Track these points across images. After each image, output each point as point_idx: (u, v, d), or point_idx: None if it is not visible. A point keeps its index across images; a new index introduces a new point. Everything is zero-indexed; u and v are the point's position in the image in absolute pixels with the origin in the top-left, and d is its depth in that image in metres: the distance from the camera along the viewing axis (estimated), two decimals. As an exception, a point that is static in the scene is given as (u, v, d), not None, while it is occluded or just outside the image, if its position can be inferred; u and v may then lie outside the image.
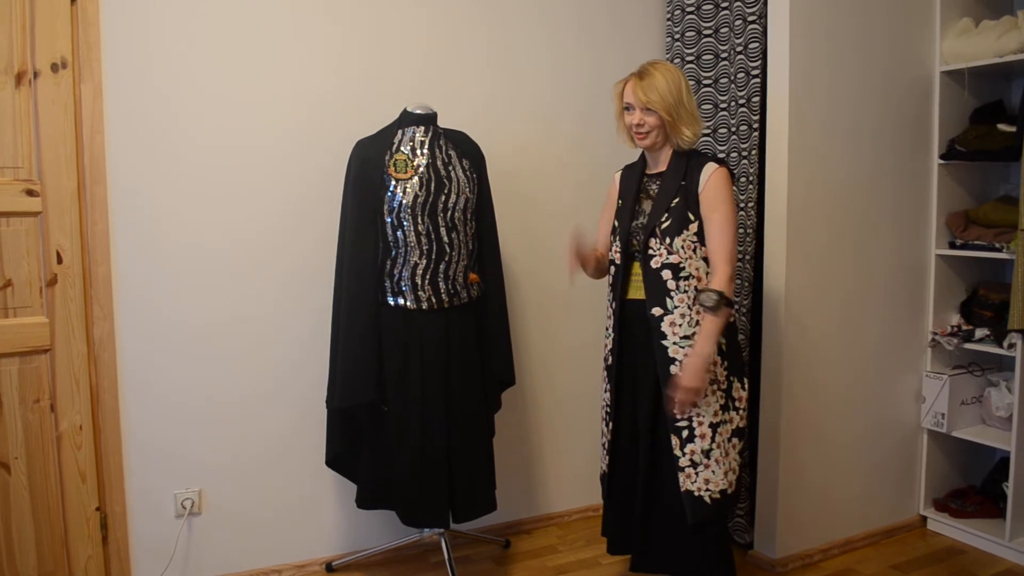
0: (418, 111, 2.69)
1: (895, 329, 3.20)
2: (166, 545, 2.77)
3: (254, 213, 2.81)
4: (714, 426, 2.35)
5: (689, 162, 2.39)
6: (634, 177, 2.51)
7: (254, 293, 2.83)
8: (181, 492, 2.78)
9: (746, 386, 2.45)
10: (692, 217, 2.35)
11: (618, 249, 2.49)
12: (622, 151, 3.40)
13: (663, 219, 2.36)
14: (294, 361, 2.91)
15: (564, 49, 3.28)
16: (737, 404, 2.39)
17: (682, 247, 2.35)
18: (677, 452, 2.35)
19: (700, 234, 2.36)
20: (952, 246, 3.23)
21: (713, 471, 2.35)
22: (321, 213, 2.87)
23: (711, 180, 2.34)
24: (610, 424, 2.55)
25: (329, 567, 2.99)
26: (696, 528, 2.36)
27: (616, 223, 2.52)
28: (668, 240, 2.35)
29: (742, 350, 2.63)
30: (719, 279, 2.31)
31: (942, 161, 3.19)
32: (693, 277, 2.35)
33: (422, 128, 2.69)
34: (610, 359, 2.54)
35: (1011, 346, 2.99)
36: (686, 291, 2.34)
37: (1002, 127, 3.06)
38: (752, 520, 3.08)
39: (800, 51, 2.82)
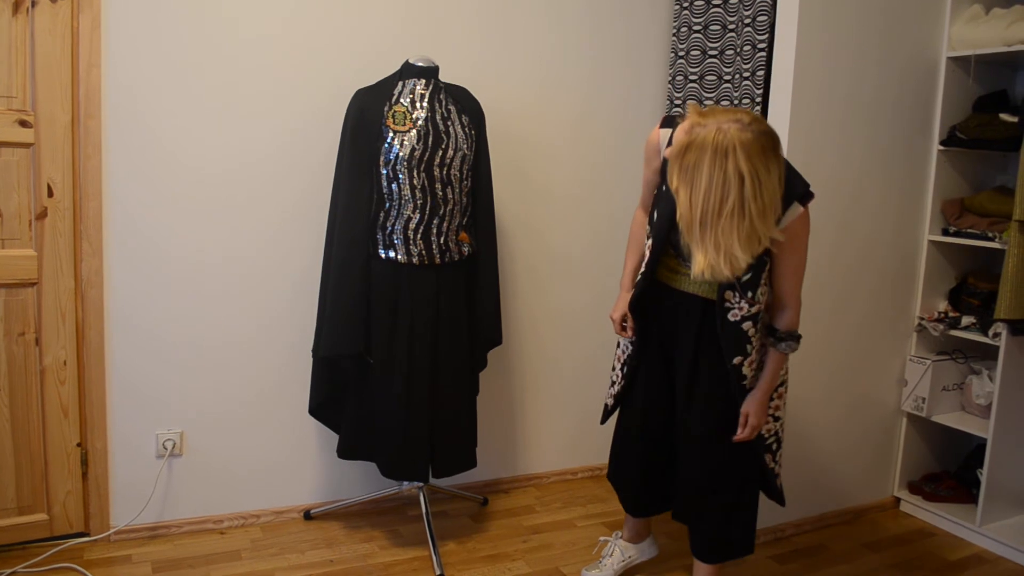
0: (420, 63, 2.66)
1: (882, 311, 3.22)
2: (146, 484, 2.78)
3: (248, 156, 2.79)
4: (783, 424, 2.38)
5: None
6: None
7: (244, 238, 2.82)
8: (163, 433, 2.79)
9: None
10: (767, 260, 2.12)
11: (649, 247, 2.27)
12: (621, 110, 3.40)
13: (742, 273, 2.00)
14: (282, 308, 2.90)
15: (566, 10, 3.24)
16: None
17: (762, 293, 2.15)
18: (772, 464, 2.36)
19: (770, 270, 2.15)
20: (945, 233, 3.23)
21: (782, 455, 2.43)
22: (314, 158, 2.86)
23: (797, 223, 2.06)
24: (623, 382, 2.47)
25: (307, 515, 3.01)
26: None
27: (655, 212, 2.24)
28: (750, 294, 2.13)
29: None
30: (792, 319, 2.19)
31: (942, 147, 3.19)
32: (764, 312, 2.21)
33: (423, 81, 2.66)
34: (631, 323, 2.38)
35: (996, 335, 3.01)
36: (761, 330, 2.21)
37: (1004, 117, 3.06)
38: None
39: (808, 26, 2.79)
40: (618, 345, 2.53)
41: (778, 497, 2.44)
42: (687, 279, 2.25)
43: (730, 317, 2.17)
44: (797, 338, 2.21)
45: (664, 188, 2.18)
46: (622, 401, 2.51)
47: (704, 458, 2.32)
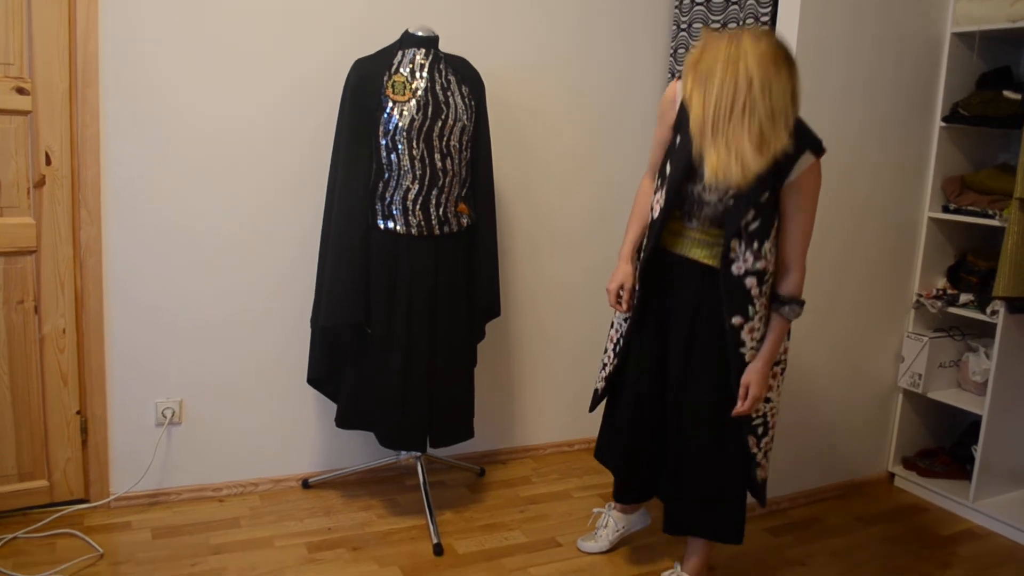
0: (420, 33, 2.64)
1: (881, 287, 3.22)
2: (145, 452, 2.80)
3: (247, 126, 2.77)
4: (775, 409, 2.31)
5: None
6: None
7: (243, 207, 2.82)
8: (162, 401, 2.80)
9: None
10: (776, 215, 2.10)
11: (659, 201, 2.21)
12: (625, 78, 3.38)
13: (751, 218, 2.05)
14: (282, 277, 2.91)
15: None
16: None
17: (770, 250, 2.10)
18: (754, 450, 2.28)
19: (778, 229, 2.11)
20: (945, 210, 3.23)
21: (770, 448, 2.33)
22: (312, 129, 2.85)
23: (808, 175, 2.04)
24: (615, 361, 2.43)
25: (305, 483, 3.04)
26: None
27: (668, 163, 2.19)
28: (756, 245, 2.08)
29: None
30: (797, 283, 2.15)
31: (944, 124, 3.17)
32: (771, 275, 2.14)
33: (423, 51, 2.65)
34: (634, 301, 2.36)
35: (994, 313, 3.01)
36: (766, 294, 2.14)
37: (1008, 94, 3.04)
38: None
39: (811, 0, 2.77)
40: (611, 325, 2.50)
41: (758, 493, 2.34)
42: (689, 242, 2.21)
43: (734, 270, 2.11)
44: (801, 303, 2.17)
45: (679, 140, 2.14)
46: (614, 384, 2.46)
47: (696, 429, 2.27)
